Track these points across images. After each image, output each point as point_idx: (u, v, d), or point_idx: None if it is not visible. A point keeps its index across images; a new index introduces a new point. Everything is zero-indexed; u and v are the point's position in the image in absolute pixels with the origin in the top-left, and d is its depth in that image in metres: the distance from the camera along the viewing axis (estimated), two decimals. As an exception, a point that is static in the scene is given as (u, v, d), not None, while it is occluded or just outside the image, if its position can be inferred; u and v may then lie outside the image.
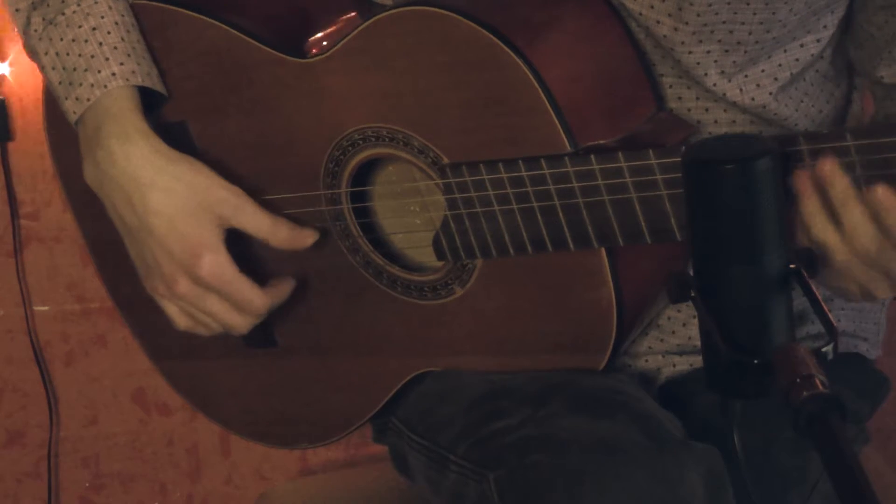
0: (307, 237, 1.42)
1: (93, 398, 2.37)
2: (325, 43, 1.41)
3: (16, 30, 1.48)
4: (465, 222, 1.32)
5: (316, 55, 1.39)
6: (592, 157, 1.24)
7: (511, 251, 1.31)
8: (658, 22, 1.33)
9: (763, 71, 1.37)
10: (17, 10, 1.45)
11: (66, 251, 2.31)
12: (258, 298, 1.41)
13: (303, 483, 1.97)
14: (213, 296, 1.40)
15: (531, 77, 1.25)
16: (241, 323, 1.43)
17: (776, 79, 1.37)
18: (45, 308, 2.34)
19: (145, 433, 2.38)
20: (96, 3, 1.41)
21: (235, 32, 1.41)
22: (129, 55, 1.40)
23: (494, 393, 1.37)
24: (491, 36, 1.25)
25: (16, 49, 2.22)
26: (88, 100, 1.39)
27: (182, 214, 1.38)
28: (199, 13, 1.43)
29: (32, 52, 1.45)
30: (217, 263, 1.39)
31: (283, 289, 1.45)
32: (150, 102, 1.44)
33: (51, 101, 1.53)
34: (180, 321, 1.44)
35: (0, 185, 2.29)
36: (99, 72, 1.39)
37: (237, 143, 1.45)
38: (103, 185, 1.41)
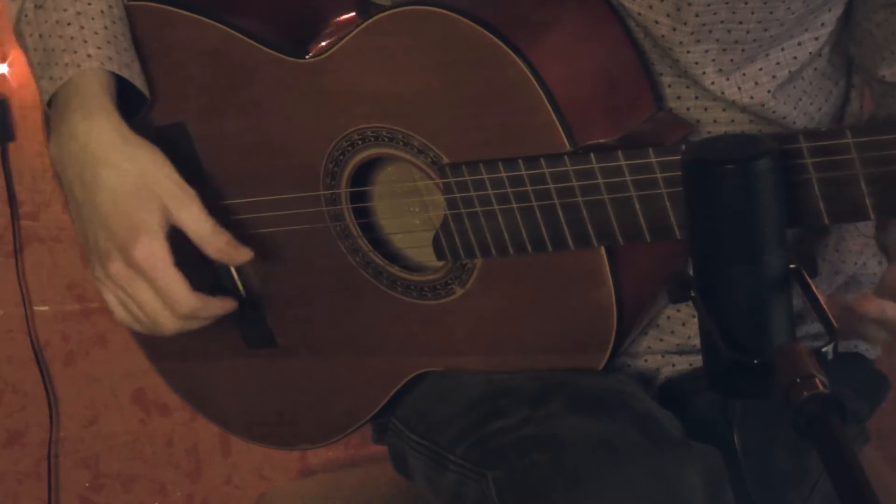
0: (241, 255, 1.40)
1: (93, 398, 2.37)
2: (324, 43, 1.41)
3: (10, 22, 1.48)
4: (465, 222, 1.32)
5: (315, 55, 1.39)
6: (592, 155, 1.24)
7: (511, 250, 1.31)
8: (657, 22, 1.33)
9: (761, 69, 1.37)
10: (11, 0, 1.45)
11: (66, 251, 2.31)
12: (185, 298, 1.38)
13: (303, 483, 1.97)
14: (144, 283, 1.37)
15: (531, 76, 1.24)
16: (167, 320, 1.39)
17: (774, 77, 1.37)
18: (45, 308, 2.34)
19: (145, 433, 2.38)
20: None
21: (234, 33, 1.41)
22: (109, 42, 1.40)
23: (494, 393, 1.37)
24: (490, 35, 1.25)
25: (16, 49, 2.22)
26: (61, 78, 1.38)
27: (128, 194, 1.36)
28: (198, 14, 1.43)
29: (19, 36, 1.44)
30: (151, 248, 1.36)
31: (218, 304, 1.41)
32: (135, 105, 1.43)
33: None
34: (116, 311, 1.41)
35: (0, 185, 2.29)
36: (75, 52, 1.38)
37: (236, 144, 1.45)
38: (62, 160, 1.39)
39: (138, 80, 1.42)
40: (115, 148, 1.37)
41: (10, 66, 2.25)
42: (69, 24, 1.39)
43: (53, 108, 1.40)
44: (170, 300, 1.37)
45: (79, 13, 1.39)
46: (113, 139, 1.37)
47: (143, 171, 1.37)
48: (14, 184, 2.30)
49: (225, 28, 1.42)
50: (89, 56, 1.38)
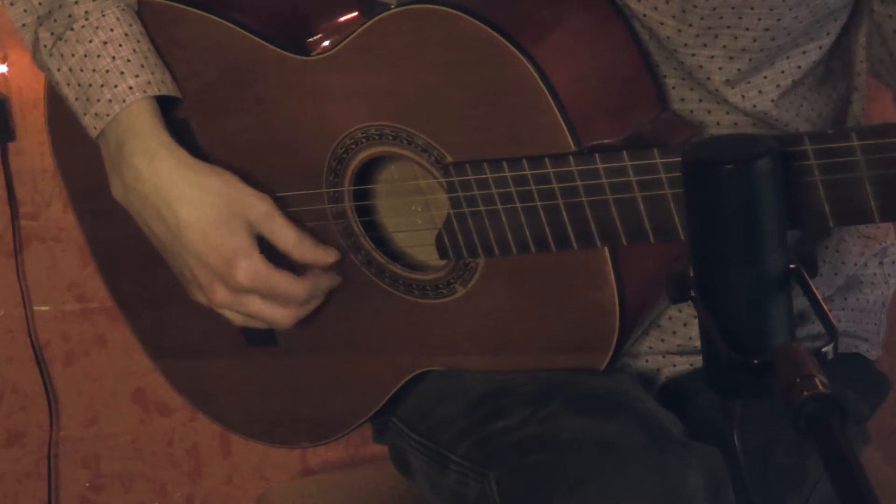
0: (329, 256, 1.43)
1: (93, 398, 2.37)
2: (328, 41, 1.41)
3: (23, 44, 1.47)
4: (468, 221, 1.32)
5: (320, 53, 1.39)
6: (596, 156, 1.24)
7: (514, 250, 1.31)
8: (662, 23, 1.33)
9: (765, 77, 1.37)
10: (23, 26, 1.45)
11: (66, 251, 2.31)
12: (297, 288, 1.42)
13: (303, 483, 1.97)
14: (253, 297, 1.41)
15: (536, 75, 1.25)
16: (284, 315, 1.43)
17: (778, 85, 1.38)
18: (45, 308, 2.33)
19: (145, 433, 2.38)
20: (104, 15, 1.41)
21: (239, 30, 1.41)
22: (142, 66, 1.41)
23: (495, 392, 1.37)
24: (495, 34, 1.26)
25: (16, 49, 2.22)
26: (108, 115, 1.40)
27: (214, 225, 1.39)
28: (203, 10, 1.43)
29: (43, 68, 1.45)
30: (252, 266, 1.39)
31: (321, 278, 1.44)
32: (166, 103, 1.44)
33: (53, 97, 1.53)
34: (234, 319, 1.45)
35: (0, 185, 2.29)
36: (115, 86, 1.40)
37: (240, 141, 1.45)
38: (132, 202, 1.42)
39: (174, 90, 1.44)
40: (187, 182, 1.40)
41: (10, 66, 2.25)
42: (99, 56, 1.40)
43: (104, 144, 1.42)
44: (285, 298, 1.41)
45: (105, 42, 1.40)
46: (182, 174, 1.40)
47: (221, 196, 1.40)
48: (14, 184, 2.30)
49: (230, 25, 1.42)
50: (130, 88, 1.40)
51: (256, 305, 1.42)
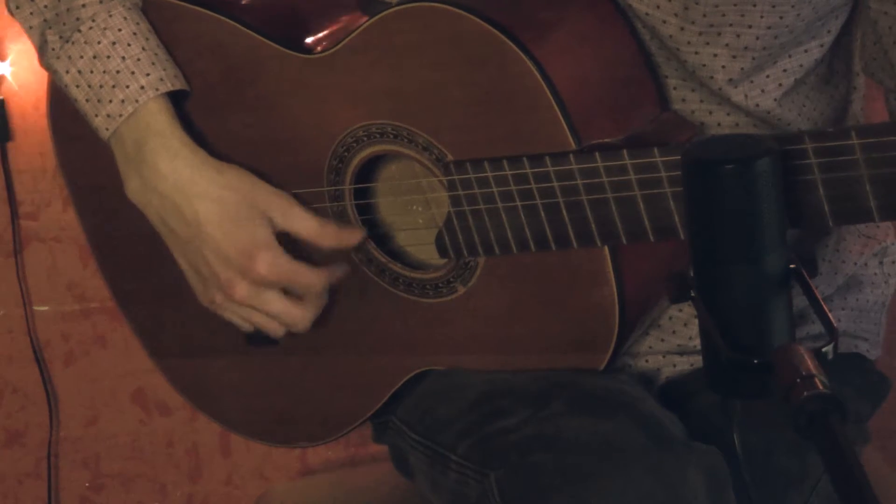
0: (354, 236, 1.42)
1: (93, 398, 2.37)
2: (329, 40, 1.41)
3: (30, 41, 1.47)
4: (469, 219, 1.32)
5: (321, 52, 1.39)
6: (597, 154, 1.24)
7: (514, 249, 1.31)
8: (664, 22, 1.33)
9: (768, 76, 1.37)
10: (30, 28, 1.45)
11: (66, 251, 2.31)
12: (317, 278, 1.41)
13: (303, 483, 1.97)
14: (272, 293, 1.41)
15: (537, 74, 1.25)
16: (302, 316, 1.42)
17: (780, 84, 1.38)
18: (45, 308, 2.34)
19: (145, 433, 2.38)
20: (110, 16, 1.41)
21: (241, 28, 1.42)
22: (153, 64, 1.41)
23: (495, 392, 1.37)
24: (497, 33, 1.26)
25: (16, 49, 2.22)
26: (121, 115, 1.40)
27: (234, 220, 1.39)
28: (205, 8, 1.43)
29: (52, 70, 1.45)
30: (272, 257, 1.39)
31: (336, 269, 1.44)
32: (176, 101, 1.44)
33: (56, 96, 1.53)
34: (244, 326, 1.46)
35: (0, 185, 2.29)
36: (127, 86, 1.40)
37: (241, 139, 1.45)
38: (152, 201, 1.42)
39: (185, 84, 1.44)
40: (208, 180, 1.40)
41: (10, 66, 2.25)
42: (108, 56, 1.40)
43: (118, 144, 1.42)
44: (305, 288, 1.41)
45: (114, 43, 1.40)
46: (203, 172, 1.40)
47: (241, 192, 1.40)
48: (14, 184, 2.30)
49: (231, 23, 1.42)
50: (142, 88, 1.40)
51: (275, 303, 1.41)
